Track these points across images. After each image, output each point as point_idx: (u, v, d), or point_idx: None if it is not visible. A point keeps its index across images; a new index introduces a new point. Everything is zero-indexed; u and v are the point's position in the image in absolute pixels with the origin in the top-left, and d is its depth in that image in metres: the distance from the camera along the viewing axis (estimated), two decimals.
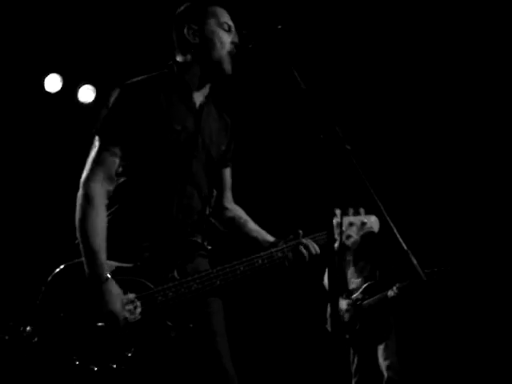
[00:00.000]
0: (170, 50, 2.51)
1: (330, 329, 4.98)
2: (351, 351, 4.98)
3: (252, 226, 2.58)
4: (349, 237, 2.58)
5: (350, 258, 5.19)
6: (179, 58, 2.46)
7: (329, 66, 5.14)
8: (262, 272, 2.41)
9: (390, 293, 4.76)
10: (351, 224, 2.58)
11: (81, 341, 2.14)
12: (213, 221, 2.64)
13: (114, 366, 2.13)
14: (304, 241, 2.44)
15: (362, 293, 4.99)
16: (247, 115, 4.98)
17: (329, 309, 4.94)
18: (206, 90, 2.47)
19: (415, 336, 5.65)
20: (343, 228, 2.56)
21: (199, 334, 2.28)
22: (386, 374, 4.82)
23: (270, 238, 2.51)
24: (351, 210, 2.61)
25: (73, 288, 2.18)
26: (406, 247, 1.75)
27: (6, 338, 3.59)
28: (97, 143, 2.30)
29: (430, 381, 5.67)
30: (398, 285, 4.73)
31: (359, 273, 5.10)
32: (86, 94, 5.83)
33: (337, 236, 2.54)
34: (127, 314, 2.16)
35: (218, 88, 2.57)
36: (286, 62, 2.12)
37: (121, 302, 2.14)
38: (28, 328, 2.20)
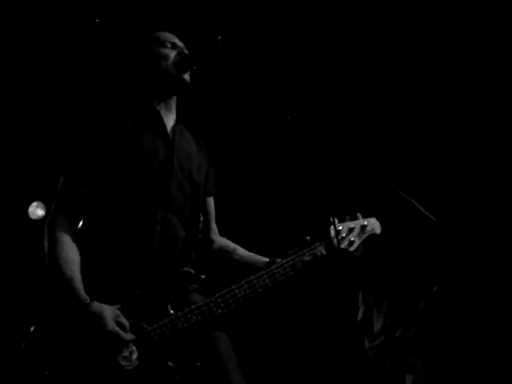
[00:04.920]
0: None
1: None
2: None
3: (242, 251, 2.42)
4: (352, 243, 2.39)
5: (371, 301, 4.92)
6: (142, 88, 2.37)
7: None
8: (266, 293, 2.18)
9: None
10: (351, 229, 2.41)
11: None
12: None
13: None
14: (307, 251, 2.25)
15: (383, 335, 4.68)
16: (221, 137, 4.68)
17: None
18: (173, 114, 2.36)
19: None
20: (343, 234, 2.38)
21: (209, 373, 2.01)
22: None
23: (265, 259, 2.32)
24: (348, 217, 2.45)
25: (57, 338, 1.93)
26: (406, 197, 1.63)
27: None
28: (60, 184, 2.16)
29: None
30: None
31: (380, 313, 4.82)
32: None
33: (336, 243, 2.36)
34: (123, 362, 1.91)
35: (187, 114, 2.46)
36: (234, 69, 2.08)
37: (114, 316, 1.92)
38: None
